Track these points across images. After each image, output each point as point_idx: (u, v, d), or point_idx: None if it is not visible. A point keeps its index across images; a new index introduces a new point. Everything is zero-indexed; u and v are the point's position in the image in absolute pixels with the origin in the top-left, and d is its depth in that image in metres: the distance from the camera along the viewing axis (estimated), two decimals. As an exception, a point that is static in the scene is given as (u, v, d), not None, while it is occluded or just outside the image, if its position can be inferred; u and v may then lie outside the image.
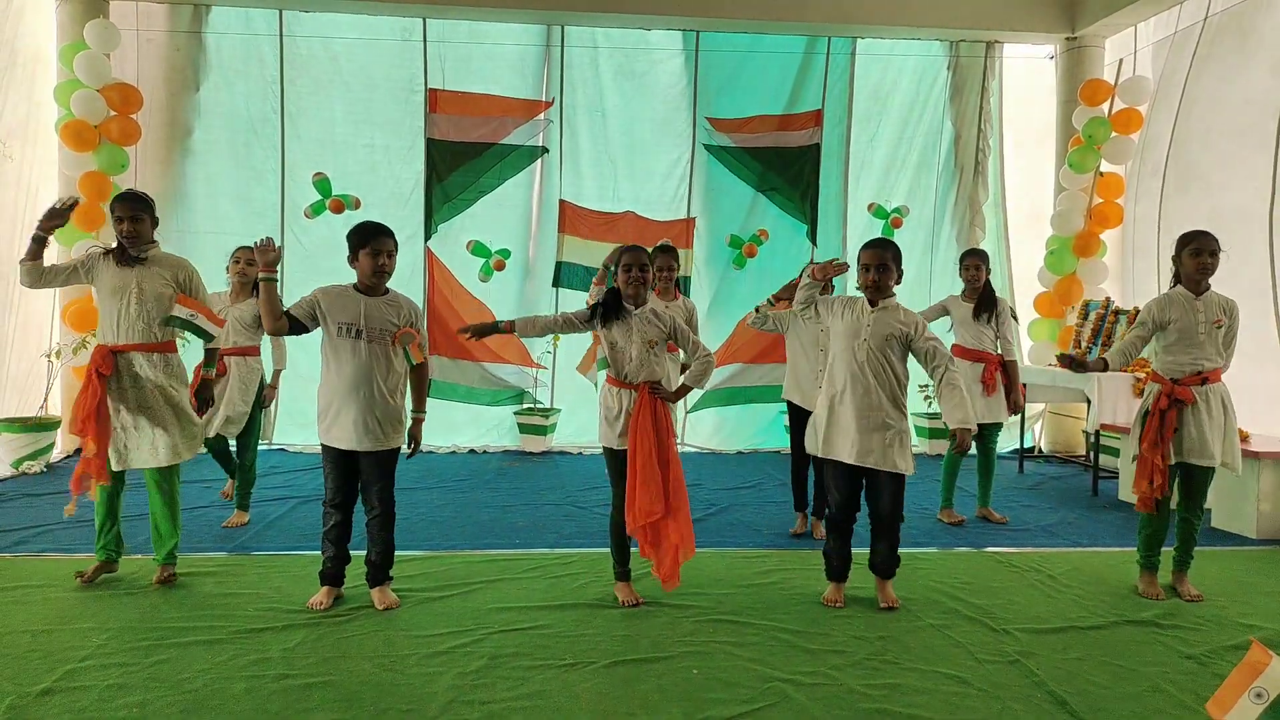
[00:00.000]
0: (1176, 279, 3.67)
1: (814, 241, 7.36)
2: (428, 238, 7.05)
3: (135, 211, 3.46)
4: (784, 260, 7.38)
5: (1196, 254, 3.54)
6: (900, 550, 3.50)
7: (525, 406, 7.18)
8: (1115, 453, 6.07)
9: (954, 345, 4.91)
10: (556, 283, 7.23)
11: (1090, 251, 7.03)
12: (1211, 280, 3.61)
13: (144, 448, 3.41)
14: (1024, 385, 5.09)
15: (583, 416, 7.20)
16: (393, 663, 2.81)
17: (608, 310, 3.36)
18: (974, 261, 4.86)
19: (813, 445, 3.49)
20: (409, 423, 3.39)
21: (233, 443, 4.56)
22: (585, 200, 7.28)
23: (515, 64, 7.14)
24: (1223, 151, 6.03)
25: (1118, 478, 5.83)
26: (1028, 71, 7.67)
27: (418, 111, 7.03)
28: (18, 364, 6.11)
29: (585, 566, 3.88)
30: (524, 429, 7.08)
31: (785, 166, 7.31)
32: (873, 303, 3.39)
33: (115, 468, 3.41)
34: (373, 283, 3.27)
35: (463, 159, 7.05)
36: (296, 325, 3.20)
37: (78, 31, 6.20)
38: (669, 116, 7.31)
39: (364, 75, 7.00)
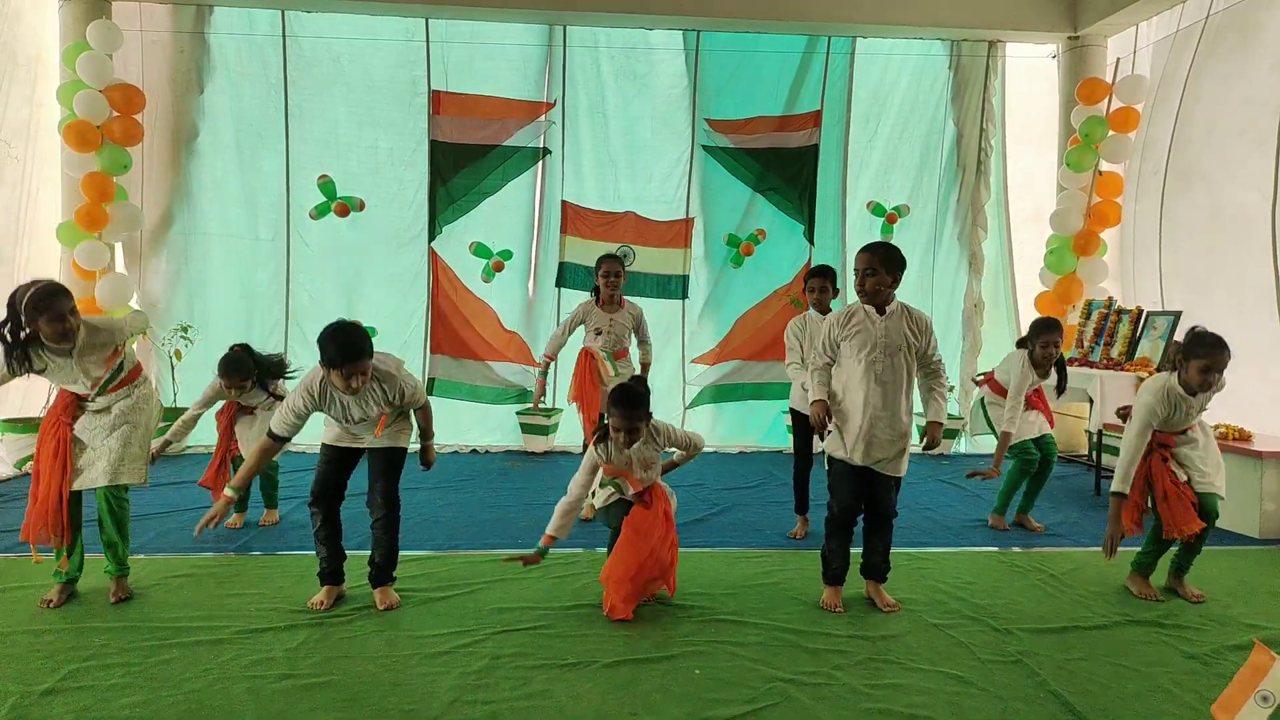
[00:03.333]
0: (1172, 367, 3.55)
1: (811, 241, 7.37)
2: (432, 239, 7.06)
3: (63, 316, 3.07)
4: (781, 259, 7.42)
5: (1205, 371, 3.40)
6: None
7: (527, 406, 7.18)
8: (1117, 453, 6.06)
9: (988, 374, 4.96)
10: (560, 283, 7.25)
11: (1090, 250, 7.02)
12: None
13: (92, 466, 3.23)
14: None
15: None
16: (395, 663, 2.82)
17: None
18: (1052, 339, 4.56)
19: (844, 453, 3.37)
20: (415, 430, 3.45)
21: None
22: (586, 200, 7.28)
23: (518, 65, 7.14)
24: (1224, 150, 6.02)
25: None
26: (1031, 70, 7.67)
27: (421, 113, 7.03)
28: (20, 365, 6.11)
29: (587, 566, 3.87)
30: (526, 429, 7.08)
31: (784, 167, 7.31)
32: (880, 310, 3.32)
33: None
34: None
35: (466, 161, 7.06)
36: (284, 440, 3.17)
37: (80, 32, 6.21)
38: (669, 116, 7.31)
39: (367, 77, 7.00)
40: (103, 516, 3.32)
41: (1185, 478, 3.57)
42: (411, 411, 3.42)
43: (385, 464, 3.30)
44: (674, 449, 3.56)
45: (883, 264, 3.27)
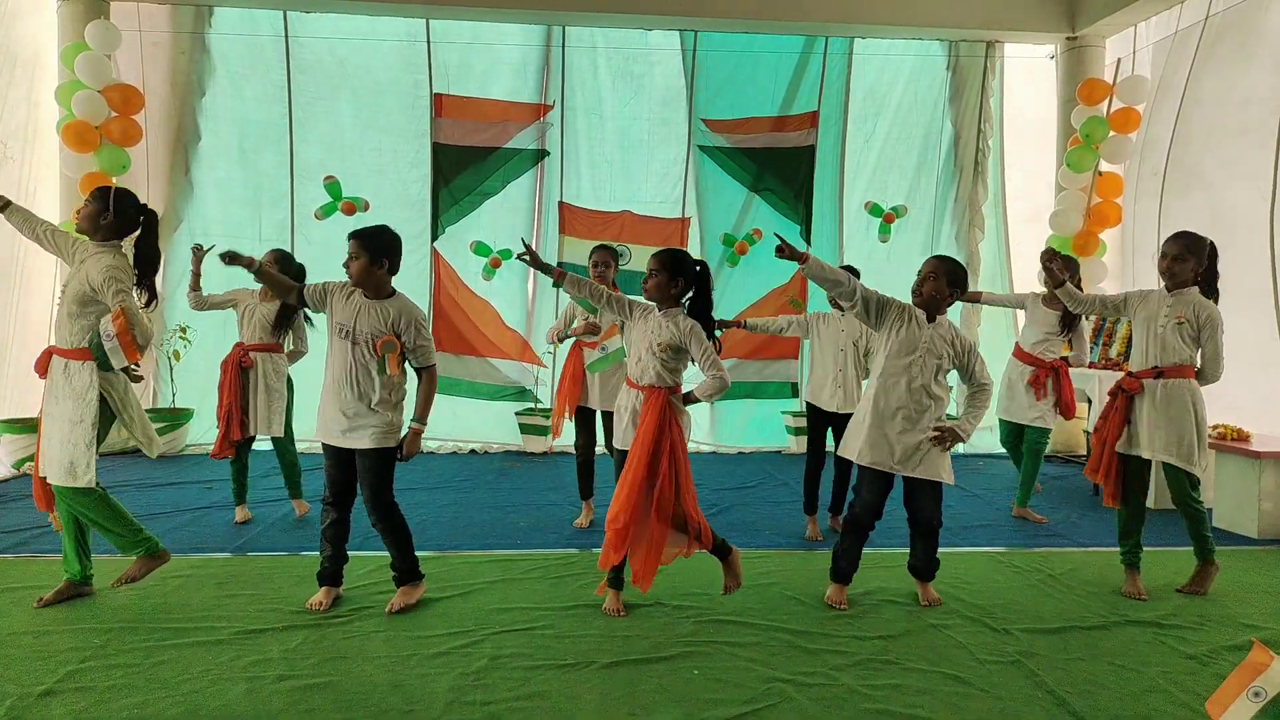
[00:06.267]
0: None
1: (808, 241, 7.37)
2: (434, 239, 7.08)
3: (87, 200, 3.29)
4: (777, 259, 7.37)
5: (1162, 256, 3.66)
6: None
7: (526, 407, 7.19)
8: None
9: (1015, 345, 5.04)
10: (558, 284, 7.24)
11: (1089, 251, 7.02)
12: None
13: (46, 458, 3.22)
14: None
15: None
16: (393, 663, 2.81)
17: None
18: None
19: (851, 451, 3.43)
20: (404, 429, 3.30)
21: (268, 443, 4.65)
22: (583, 200, 7.30)
23: (517, 67, 7.16)
24: (1224, 151, 6.02)
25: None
26: (1029, 71, 7.67)
27: (423, 115, 7.05)
28: (18, 364, 6.11)
29: (586, 567, 3.88)
30: (525, 429, 7.08)
31: (780, 167, 7.31)
32: (930, 318, 3.36)
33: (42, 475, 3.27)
34: (355, 283, 3.26)
35: (467, 163, 7.08)
36: (303, 301, 3.30)
37: (78, 32, 6.21)
38: (666, 117, 7.32)
39: (370, 79, 7.03)
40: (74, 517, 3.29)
41: (1133, 446, 3.59)
42: (390, 398, 3.29)
43: (365, 466, 3.24)
44: (698, 365, 3.29)
45: (946, 274, 3.35)
